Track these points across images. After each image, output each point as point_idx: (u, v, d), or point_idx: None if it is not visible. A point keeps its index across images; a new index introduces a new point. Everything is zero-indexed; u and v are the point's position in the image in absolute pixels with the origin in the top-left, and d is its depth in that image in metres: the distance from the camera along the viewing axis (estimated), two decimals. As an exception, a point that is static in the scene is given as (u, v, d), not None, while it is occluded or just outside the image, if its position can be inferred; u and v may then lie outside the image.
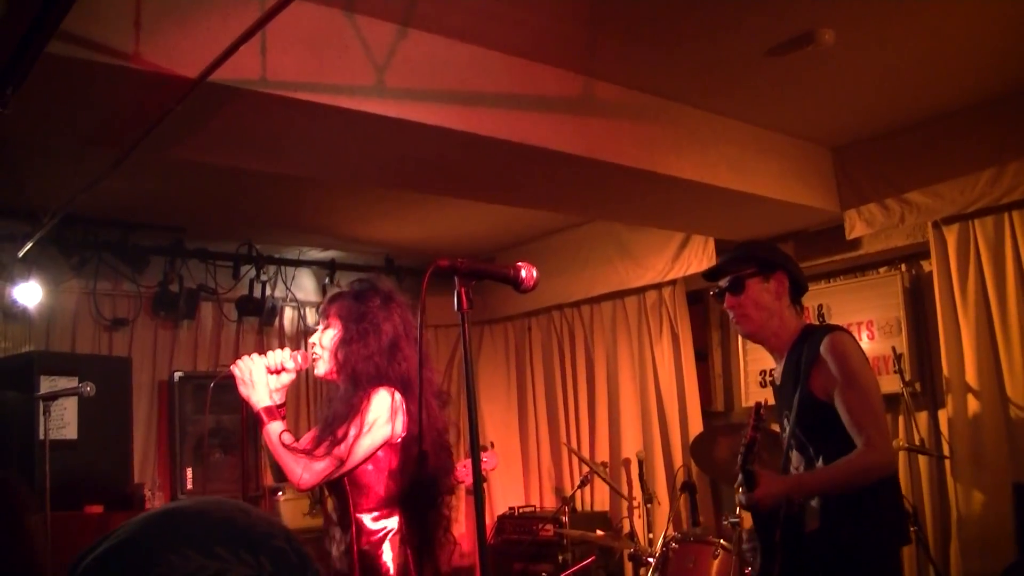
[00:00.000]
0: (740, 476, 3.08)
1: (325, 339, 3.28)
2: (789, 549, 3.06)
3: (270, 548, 1.01)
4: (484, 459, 4.43)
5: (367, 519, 3.13)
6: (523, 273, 2.45)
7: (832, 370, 3.09)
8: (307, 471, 3.04)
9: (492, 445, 4.48)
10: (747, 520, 4.40)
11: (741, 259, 3.39)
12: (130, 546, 0.99)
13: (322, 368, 3.28)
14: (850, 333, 3.25)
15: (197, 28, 3.45)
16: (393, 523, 3.15)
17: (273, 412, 3.13)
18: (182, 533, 0.99)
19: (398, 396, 3.13)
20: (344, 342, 3.21)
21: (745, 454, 3.06)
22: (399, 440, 3.14)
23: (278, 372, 3.20)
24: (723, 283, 3.40)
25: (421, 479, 3.05)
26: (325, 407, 3.32)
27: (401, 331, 3.24)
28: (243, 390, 3.14)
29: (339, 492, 3.17)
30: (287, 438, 3.08)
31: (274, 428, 3.09)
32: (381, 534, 3.11)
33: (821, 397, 3.11)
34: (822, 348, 3.13)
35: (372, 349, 3.17)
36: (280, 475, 3.19)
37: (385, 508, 3.14)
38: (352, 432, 3.05)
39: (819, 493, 3.06)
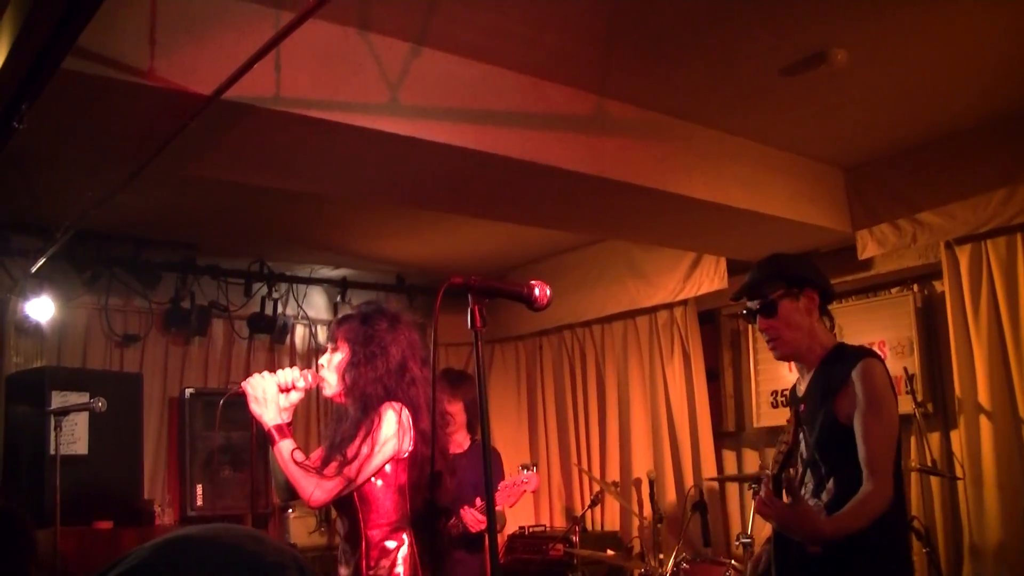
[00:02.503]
0: (770, 482, 3.00)
1: (333, 362, 3.28)
2: (803, 566, 3.02)
3: None
4: (524, 479, 4.46)
5: (377, 536, 3.12)
6: (537, 291, 2.45)
7: (858, 395, 3.05)
8: (318, 489, 3.05)
9: (535, 466, 4.49)
10: (758, 539, 4.37)
11: (771, 278, 3.28)
12: (142, 573, 0.98)
13: (330, 390, 3.29)
14: (883, 361, 3.17)
15: (212, 45, 3.47)
16: (404, 540, 3.14)
17: (284, 430, 3.13)
18: (194, 561, 0.99)
19: (406, 412, 3.14)
20: (352, 365, 3.22)
21: (783, 461, 2.99)
22: (406, 455, 3.14)
23: (288, 390, 3.21)
24: (753, 304, 3.31)
25: (432, 498, 3.04)
26: (332, 427, 3.32)
27: (408, 353, 3.26)
28: (254, 407, 3.14)
29: (349, 509, 3.17)
30: (299, 456, 3.08)
31: (285, 446, 3.09)
32: (391, 551, 3.11)
33: (843, 421, 3.06)
34: (854, 373, 3.07)
35: (380, 371, 3.18)
36: (286, 494, 3.20)
37: (395, 525, 3.14)
38: (364, 451, 3.06)
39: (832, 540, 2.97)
